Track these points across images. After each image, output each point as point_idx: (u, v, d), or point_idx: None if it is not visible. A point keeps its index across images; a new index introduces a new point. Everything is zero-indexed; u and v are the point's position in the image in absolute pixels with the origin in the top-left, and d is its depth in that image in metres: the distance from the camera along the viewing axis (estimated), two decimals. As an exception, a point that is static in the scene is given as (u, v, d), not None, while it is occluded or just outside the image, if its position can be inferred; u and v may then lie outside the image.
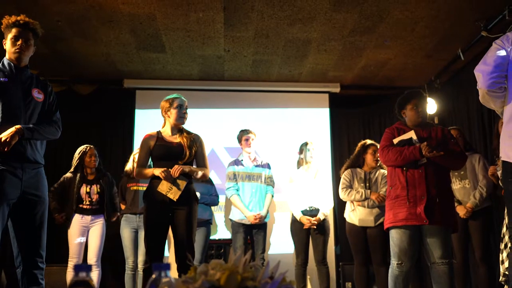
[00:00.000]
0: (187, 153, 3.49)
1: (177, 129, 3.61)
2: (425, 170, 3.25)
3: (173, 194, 3.40)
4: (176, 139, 3.56)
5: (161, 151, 3.51)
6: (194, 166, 3.62)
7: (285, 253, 5.72)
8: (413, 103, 3.44)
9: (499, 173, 3.94)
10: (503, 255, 3.72)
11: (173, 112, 3.56)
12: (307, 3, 4.50)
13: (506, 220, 3.70)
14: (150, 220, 3.45)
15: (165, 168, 3.39)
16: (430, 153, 3.15)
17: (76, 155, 4.78)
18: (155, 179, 3.46)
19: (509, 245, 3.54)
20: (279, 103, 6.66)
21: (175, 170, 3.38)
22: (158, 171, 3.39)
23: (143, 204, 3.54)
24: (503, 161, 2.56)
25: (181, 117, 3.58)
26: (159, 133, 3.60)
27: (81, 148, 4.81)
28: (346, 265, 5.54)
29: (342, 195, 4.63)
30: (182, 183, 3.42)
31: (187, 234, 3.42)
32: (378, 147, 3.62)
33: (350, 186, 4.61)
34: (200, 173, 3.54)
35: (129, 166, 4.95)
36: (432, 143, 3.24)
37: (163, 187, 3.40)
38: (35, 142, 2.85)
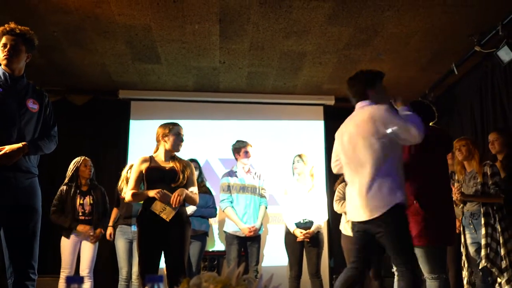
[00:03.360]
0: (181, 176, 3.52)
1: (170, 155, 3.64)
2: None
3: (167, 214, 3.40)
4: (169, 164, 3.59)
5: (155, 174, 3.53)
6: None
7: (279, 266, 5.70)
8: None
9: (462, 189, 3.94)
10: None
11: (171, 139, 3.59)
12: (302, 16, 4.53)
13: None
14: (144, 243, 3.45)
15: (160, 189, 3.40)
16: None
17: (72, 165, 4.78)
18: (148, 201, 3.47)
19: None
20: (273, 115, 6.68)
21: (176, 198, 3.39)
22: (152, 193, 3.40)
23: (136, 226, 3.54)
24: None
25: (178, 144, 3.62)
26: (151, 157, 3.63)
27: (77, 159, 4.82)
28: (340, 278, 5.52)
29: (336, 206, 4.64)
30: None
31: (179, 257, 3.43)
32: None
33: (343, 198, 4.60)
34: (196, 199, 3.62)
35: (120, 185, 4.86)
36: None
37: (157, 207, 3.40)
38: (29, 152, 2.83)
